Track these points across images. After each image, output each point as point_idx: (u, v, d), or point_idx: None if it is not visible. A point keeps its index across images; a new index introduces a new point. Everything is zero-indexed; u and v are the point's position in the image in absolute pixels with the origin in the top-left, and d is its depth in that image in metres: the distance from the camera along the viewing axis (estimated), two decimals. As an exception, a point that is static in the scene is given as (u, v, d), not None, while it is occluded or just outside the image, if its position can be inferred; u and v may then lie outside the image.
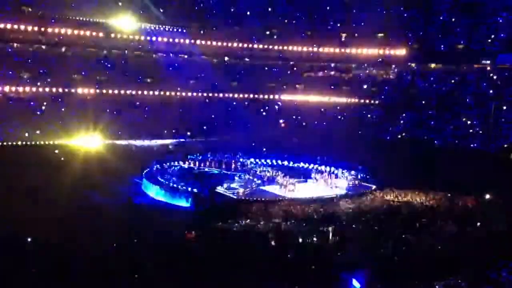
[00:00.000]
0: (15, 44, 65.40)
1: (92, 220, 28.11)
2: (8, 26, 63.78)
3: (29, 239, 21.34)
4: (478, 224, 24.68)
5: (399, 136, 63.93)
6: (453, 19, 74.57)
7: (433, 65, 74.07)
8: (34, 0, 65.73)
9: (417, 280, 17.08)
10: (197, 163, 50.49)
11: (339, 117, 70.33)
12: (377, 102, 71.48)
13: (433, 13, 76.71)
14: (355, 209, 31.96)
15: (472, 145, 58.10)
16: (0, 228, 23.91)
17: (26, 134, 52.86)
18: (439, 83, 70.88)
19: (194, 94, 72.83)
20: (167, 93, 71.42)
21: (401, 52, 74.85)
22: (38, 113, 59.73)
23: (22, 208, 28.64)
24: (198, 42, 75.13)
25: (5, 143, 51.28)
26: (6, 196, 31.36)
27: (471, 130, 61.03)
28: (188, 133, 62.34)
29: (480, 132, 59.48)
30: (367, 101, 72.10)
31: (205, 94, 73.29)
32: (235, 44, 76.90)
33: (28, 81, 63.06)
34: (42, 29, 65.74)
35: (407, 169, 44.78)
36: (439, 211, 29.92)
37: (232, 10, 77.66)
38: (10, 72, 62.44)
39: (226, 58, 78.40)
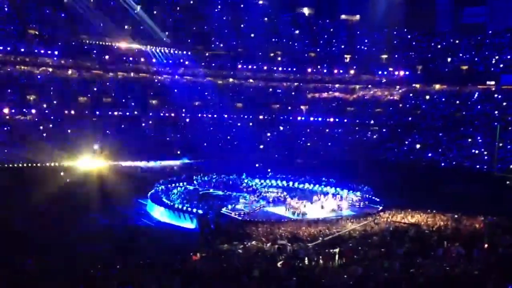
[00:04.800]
0: (21, 67, 65.98)
1: (95, 241, 28.01)
2: (14, 48, 64.55)
3: (29, 262, 21.17)
4: (486, 246, 24.40)
5: (404, 157, 63.76)
6: (457, 41, 75.09)
7: (437, 86, 74.31)
8: (39, 23, 66.46)
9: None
10: (202, 184, 50.38)
11: (344, 137, 70.28)
12: (381, 123, 71.55)
13: (437, 34, 77.34)
14: (361, 231, 31.77)
15: (477, 166, 57.86)
16: (4, 247, 23.92)
17: (32, 156, 52.89)
18: (444, 104, 71.00)
19: (199, 115, 73.15)
20: (172, 115, 71.77)
21: (405, 73, 75.19)
22: (44, 135, 59.93)
23: (25, 229, 28.58)
24: (203, 64, 75.80)
25: (11, 165, 51.35)
26: (12, 217, 31.36)
27: (476, 151, 60.86)
28: (193, 154, 62.32)
29: (485, 153, 59.29)
30: (372, 122, 72.20)
31: (209, 115, 73.60)
32: (239, 66, 77.50)
33: (33, 103, 63.48)
34: (48, 52, 66.44)
35: (412, 190, 44.65)
36: (445, 233, 29.68)
37: (236, 32, 78.38)
38: (15, 95, 62.91)
39: (230, 80, 78.88)
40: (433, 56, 76.34)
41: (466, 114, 67.85)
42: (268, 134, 72.77)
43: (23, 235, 26.79)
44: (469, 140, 63.47)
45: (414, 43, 78.62)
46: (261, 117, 75.01)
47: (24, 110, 62.54)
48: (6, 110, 60.76)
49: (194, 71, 76.24)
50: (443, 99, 71.80)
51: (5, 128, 58.92)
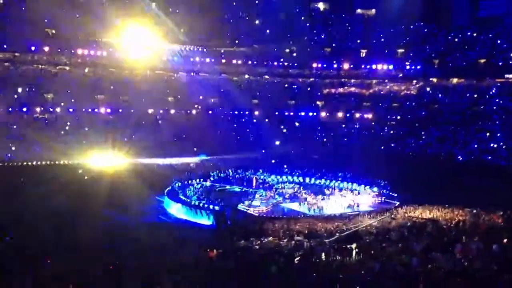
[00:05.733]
0: (39, 66, 66.76)
1: (113, 238, 28.19)
2: (32, 48, 65.33)
3: (48, 261, 21.34)
4: (505, 240, 24.11)
5: (421, 152, 63.21)
6: (474, 34, 74.15)
7: (454, 80, 73.43)
8: (57, 23, 67.02)
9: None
10: (218, 180, 50.54)
11: (360, 132, 69.93)
12: (398, 117, 71.01)
13: (454, 27, 76.44)
14: (378, 226, 31.63)
15: (496, 160, 57.20)
16: (23, 246, 24.16)
17: (51, 154, 53.53)
18: (461, 98, 70.24)
19: (215, 112, 73.29)
20: (188, 111, 72.04)
21: (422, 67, 74.47)
22: (62, 133, 60.61)
23: (44, 228, 28.81)
24: (218, 60, 75.90)
25: (29, 163, 51.99)
26: (31, 215, 31.69)
27: (494, 145, 60.13)
28: (209, 151, 62.50)
29: (504, 147, 58.56)
30: (388, 116, 71.68)
31: (225, 112, 73.73)
32: (255, 62, 77.45)
33: (52, 102, 64.23)
34: (66, 50, 67.12)
35: (430, 185, 44.27)
36: (464, 228, 29.42)
37: (251, 28, 78.23)
38: (33, 93, 63.67)
39: (246, 76, 78.87)
40: (450, 49, 75.41)
41: (484, 108, 67.04)
42: (284, 130, 72.63)
43: (40, 233, 26.99)
44: (487, 134, 62.67)
45: (430, 36, 77.76)
46: (277, 113, 74.90)
47: (42, 108, 63.34)
48: (24, 109, 61.63)
49: (210, 68, 76.41)
50: (461, 93, 71.02)
51: (23, 127, 59.68)
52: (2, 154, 52.74)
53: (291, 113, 75.23)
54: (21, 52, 65.29)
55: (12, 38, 64.17)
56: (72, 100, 65.31)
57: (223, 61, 77.02)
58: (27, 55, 65.91)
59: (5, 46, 64.16)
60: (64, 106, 64.50)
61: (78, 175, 48.85)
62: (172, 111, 71.61)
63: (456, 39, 75.75)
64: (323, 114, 74.70)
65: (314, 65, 78.42)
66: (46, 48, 66.66)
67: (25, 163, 51.59)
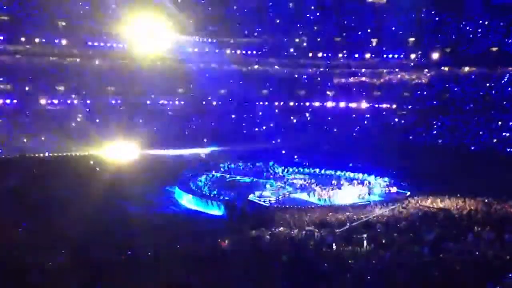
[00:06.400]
0: (50, 58, 67.07)
1: (125, 229, 28.34)
2: (43, 40, 65.60)
3: (62, 251, 21.52)
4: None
5: (433, 141, 62.88)
6: (486, 22, 73.34)
7: (466, 69, 72.79)
8: (67, 14, 67.23)
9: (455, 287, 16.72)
10: (229, 171, 50.60)
11: (371, 123, 69.62)
12: (409, 107, 70.62)
13: (466, 16, 75.64)
14: (389, 216, 31.53)
15: (508, 149, 56.78)
16: (35, 237, 24.39)
17: (62, 145, 53.87)
18: (473, 87, 69.65)
19: (225, 102, 73.28)
20: (198, 103, 72.07)
21: (434, 56, 73.84)
22: (74, 124, 60.96)
23: (55, 218, 29.02)
24: (228, 51, 75.71)
25: (42, 154, 52.36)
26: (43, 206, 31.95)
27: (506, 134, 59.67)
28: (219, 142, 62.56)
29: (517, 136, 58.21)
30: (399, 106, 71.30)
31: (235, 103, 73.67)
32: (265, 53, 77.26)
33: (63, 94, 64.58)
34: (76, 42, 67.37)
35: (441, 175, 44.03)
36: (476, 217, 29.27)
37: (261, 18, 77.94)
38: (46, 85, 64.01)
39: (256, 67, 78.70)
40: (462, 38, 74.75)
41: (496, 97, 66.47)
42: (295, 121, 72.52)
43: (52, 225, 27.19)
44: (500, 123, 62.21)
45: (442, 25, 77.04)
46: (287, 103, 74.72)
47: (54, 100, 63.71)
48: (36, 101, 62.03)
49: (220, 58, 76.32)
50: (473, 82, 70.43)
51: (34, 118, 60.09)
52: (14, 146, 53.11)
53: (301, 104, 75.00)
54: (32, 44, 65.52)
55: (24, 30, 64.56)
56: (84, 92, 65.64)
57: (233, 52, 76.86)
58: (39, 47, 66.13)
59: (17, 38, 64.42)
60: (75, 97, 64.78)
61: (89, 166, 49.07)
62: (182, 102, 71.70)
63: (468, 27, 74.99)
64: (333, 104, 74.40)
65: (324, 55, 78.04)
66: (57, 40, 66.86)
67: (36, 155, 51.89)
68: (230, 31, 77.06)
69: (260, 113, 73.36)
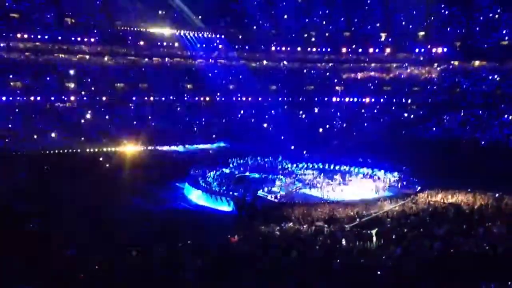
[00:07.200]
0: (59, 55, 67.35)
1: (135, 225, 28.46)
2: (51, 36, 65.92)
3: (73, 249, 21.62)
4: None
5: (443, 136, 62.44)
6: (496, 15, 72.66)
7: (476, 63, 72.17)
8: (76, 12, 67.49)
9: (464, 281, 16.63)
10: (238, 167, 50.59)
11: (381, 117, 69.28)
12: (419, 102, 70.19)
13: (475, 9, 74.97)
14: (399, 211, 31.43)
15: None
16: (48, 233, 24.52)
17: (72, 142, 54.09)
18: (484, 81, 69.04)
19: (233, 98, 73.28)
20: (207, 99, 72.16)
21: (443, 50, 73.29)
22: (82, 121, 61.21)
23: (67, 215, 29.16)
24: (236, 47, 75.75)
25: (51, 151, 52.56)
26: (56, 203, 32.13)
27: (518, 128, 59.18)
28: (228, 138, 62.61)
29: (528, 130, 57.65)
30: (409, 100, 70.91)
31: (244, 99, 73.63)
32: (273, 48, 77.15)
33: (72, 91, 64.82)
34: (85, 39, 67.64)
35: (452, 169, 43.74)
36: (486, 212, 29.10)
37: (269, 14, 77.80)
38: (54, 82, 64.28)
39: (264, 62, 78.62)
40: (472, 31, 74.11)
41: (507, 90, 65.85)
42: (303, 116, 72.33)
43: (62, 221, 27.34)
44: (510, 117, 61.65)
45: (452, 18, 76.39)
46: (296, 99, 74.56)
47: (63, 97, 63.94)
48: (45, 97, 62.27)
49: (228, 54, 76.35)
50: (483, 76, 69.81)
51: (44, 115, 60.37)
52: (24, 143, 53.39)
53: (310, 99, 74.78)
54: (41, 41, 65.80)
55: (33, 27, 64.89)
56: (92, 89, 65.88)
57: (242, 47, 76.81)
58: (48, 44, 66.41)
59: (26, 35, 64.72)
60: (84, 94, 65.01)
61: (99, 162, 49.27)
62: (191, 98, 71.76)
63: (478, 21, 74.34)
64: (342, 99, 74.12)
65: (333, 50, 77.79)
66: (67, 37, 67.11)
67: (47, 152, 52.11)
68: (238, 27, 77.04)
69: (269, 108, 73.03)
